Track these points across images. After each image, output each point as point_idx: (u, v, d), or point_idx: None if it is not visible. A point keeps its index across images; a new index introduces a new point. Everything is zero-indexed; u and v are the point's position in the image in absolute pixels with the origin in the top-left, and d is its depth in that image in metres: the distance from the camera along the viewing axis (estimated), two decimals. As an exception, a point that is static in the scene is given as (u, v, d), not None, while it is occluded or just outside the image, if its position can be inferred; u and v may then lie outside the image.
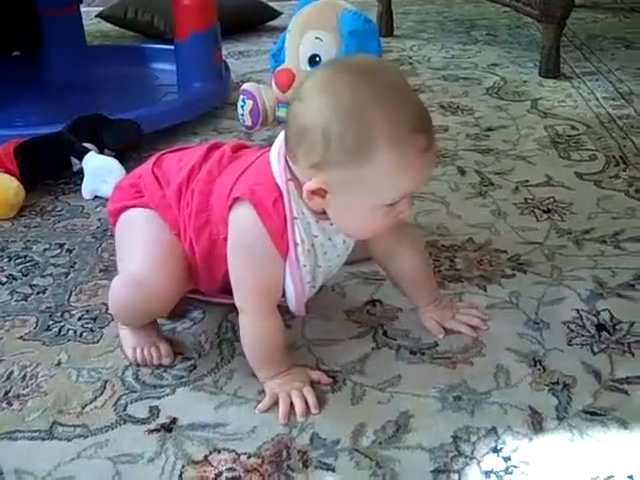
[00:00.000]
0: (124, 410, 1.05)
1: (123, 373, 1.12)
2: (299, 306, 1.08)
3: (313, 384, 1.07)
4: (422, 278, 1.19)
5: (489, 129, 2.02)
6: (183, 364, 1.14)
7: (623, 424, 1.00)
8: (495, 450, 0.96)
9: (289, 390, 1.04)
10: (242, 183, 1.02)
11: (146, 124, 1.85)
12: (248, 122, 1.44)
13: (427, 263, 1.23)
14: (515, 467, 0.94)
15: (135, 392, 1.08)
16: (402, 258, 1.16)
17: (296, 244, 1.00)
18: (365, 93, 0.90)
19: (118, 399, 1.07)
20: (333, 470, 0.94)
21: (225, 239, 1.04)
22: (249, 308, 1.05)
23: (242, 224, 1.01)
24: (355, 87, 0.91)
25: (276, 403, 1.03)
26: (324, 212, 1.00)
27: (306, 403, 1.03)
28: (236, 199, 1.01)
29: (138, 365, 1.13)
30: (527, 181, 1.70)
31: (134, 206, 1.13)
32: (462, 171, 1.76)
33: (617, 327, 1.19)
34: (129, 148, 1.81)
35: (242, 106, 1.43)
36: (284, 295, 1.06)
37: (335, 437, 0.99)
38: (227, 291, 1.10)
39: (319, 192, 0.95)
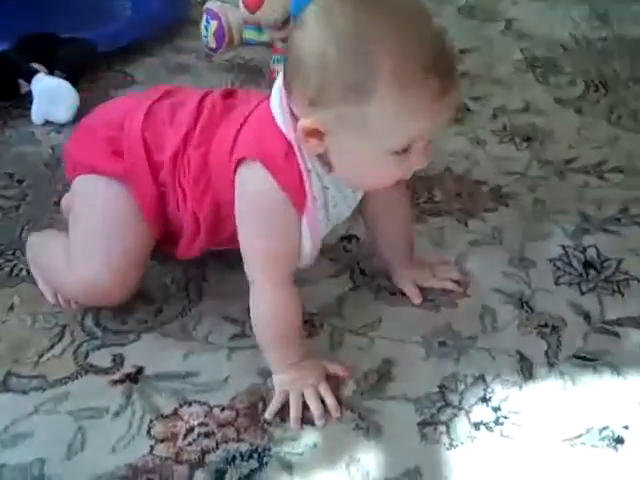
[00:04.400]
0: (85, 359, 0.97)
1: (83, 318, 1.03)
2: (311, 259, 0.96)
3: (328, 377, 0.94)
4: (408, 239, 1.09)
5: (463, 51, 1.92)
6: (147, 307, 1.05)
7: (616, 369, 0.95)
8: (484, 400, 0.91)
9: (301, 388, 0.91)
10: (244, 139, 0.89)
11: (100, 43, 1.72)
12: (212, 44, 1.34)
13: (413, 223, 1.13)
14: (505, 418, 0.89)
15: (96, 339, 1.00)
16: (394, 218, 1.06)
17: (314, 198, 0.88)
18: (371, 21, 0.77)
19: (78, 347, 0.99)
20: (312, 424, 0.88)
21: (231, 202, 0.91)
22: (263, 279, 0.91)
23: (252, 185, 0.88)
24: (360, 13, 0.78)
25: (287, 402, 0.91)
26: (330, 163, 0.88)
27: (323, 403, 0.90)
28: (241, 159, 0.88)
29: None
30: (505, 107, 1.62)
31: (105, 172, 0.99)
32: (437, 96, 1.68)
33: (605, 264, 1.14)
34: (82, 69, 1.68)
35: (206, 27, 1.33)
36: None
37: (315, 388, 0.92)
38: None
39: (315, 133, 0.82)
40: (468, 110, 1.61)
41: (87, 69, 1.70)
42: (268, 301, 0.91)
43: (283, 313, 0.92)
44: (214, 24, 1.31)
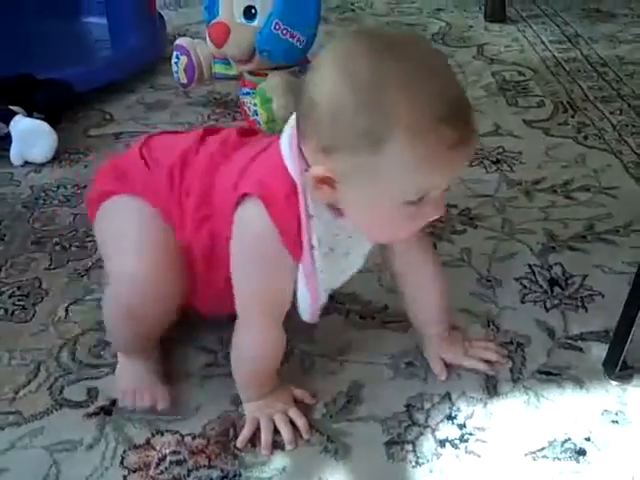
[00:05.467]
0: (60, 394, 0.99)
1: (58, 353, 1.05)
2: (313, 315, 0.92)
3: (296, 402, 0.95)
4: (440, 304, 1.02)
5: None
6: (122, 340, 1.08)
7: (578, 383, 0.97)
8: (450, 417, 0.93)
9: (271, 414, 0.92)
10: (250, 175, 0.87)
11: (78, 83, 1.76)
12: (183, 79, 1.37)
13: (447, 288, 1.02)
14: (470, 434, 0.91)
15: (71, 373, 1.02)
16: (425, 278, 1.00)
17: (312, 247, 0.85)
18: (387, 70, 0.75)
19: (54, 382, 1.01)
20: (282, 448, 0.90)
21: (227, 239, 0.89)
22: (251, 320, 0.90)
23: (249, 224, 0.86)
24: (377, 62, 0.75)
25: (258, 429, 0.91)
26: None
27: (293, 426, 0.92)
28: (243, 195, 0.86)
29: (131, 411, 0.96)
30: (475, 131, 1.66)
31: (116, 192, 0.97)
32: (409, 122, 1.71)
33: (569, 281, 1.16)
34: (60, 110, 1.72)
35: (176, 63, 1.37)
36: (294, 304, 0.91)
37: (284, 412, 0.95)
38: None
39: (328, 181, 0.80)
40: (439, 135, 1.64)
41: (65, 109, 1.74)
42: (254, 341, 0.91)
43: (267, 353, 0.93)
44: (184, 60, 1.35)
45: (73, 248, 1.29)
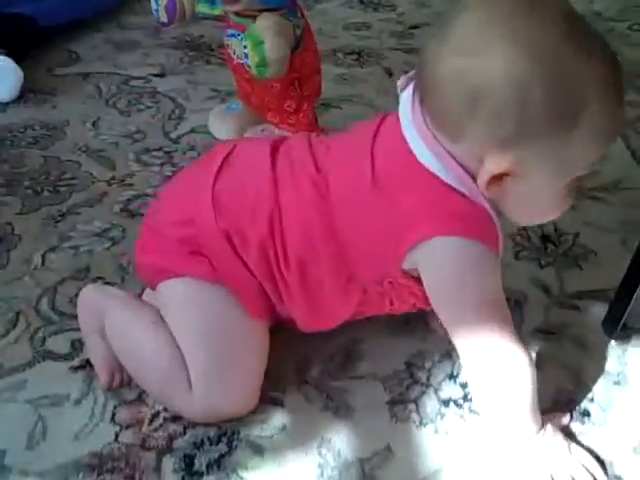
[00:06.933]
0: (42, 345, 0.94)
1: (37, 302, 1.00)
2: None
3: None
4: None
5: (413, 27, 1.92)
6: (105, 289, 1.02)
7: (579, 342, 0.96)
8: (451, 376, 0.91)
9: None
10: (406, 212, 0.77)
11: (42, 18, 1.67)
12: (163, 18, 1.30)
13: None
14: (473, 393, 0.88)
15: (53, 324, 0.97)
16: None
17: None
18: (554, 34, 0.69)
19: (34, 332, 0.96)
20: (282, 405, 0.87)
21: (382, 293, 0.84)
22: (496, 340, 0.77)
23: (460, 257, 0.77)
24: (539, 27, 0.69)
25: None
26: None
27: None
28: (421, 239, 0.76)
29: (109, 389, 0.88)
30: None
31: (191, 273, 0.84)
32: (389, 72, 1.67)
33: (562, 238, 1.15)
34: (24, 46, 1.63)
35: (156, 0, 1.29)
36: None
37: (281, 369, 0.91)
38: None
39: (500, 176, 0.73)
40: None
41: (29, 45, 1.65)
42: (515, 361, 0.78)
43: (529, 361, 0.79)
44: (165, -3, 1.28)
45: (46, 192, 1.23)
